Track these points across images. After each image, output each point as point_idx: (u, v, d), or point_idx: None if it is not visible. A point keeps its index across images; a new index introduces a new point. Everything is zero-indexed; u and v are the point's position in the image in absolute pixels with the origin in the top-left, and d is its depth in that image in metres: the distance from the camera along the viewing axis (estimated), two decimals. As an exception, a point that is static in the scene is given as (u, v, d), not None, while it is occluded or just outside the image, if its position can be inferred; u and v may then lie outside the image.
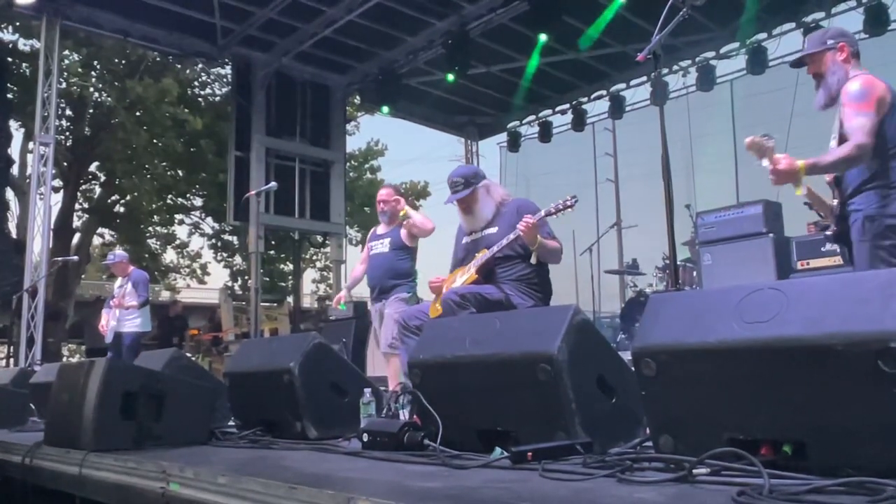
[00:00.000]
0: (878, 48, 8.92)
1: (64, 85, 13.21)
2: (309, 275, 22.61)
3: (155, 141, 15.43)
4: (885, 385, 1.44)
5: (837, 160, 3.10)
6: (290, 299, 17.74)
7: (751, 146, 3.16)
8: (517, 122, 12.76)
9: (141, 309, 7.47)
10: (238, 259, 19.84)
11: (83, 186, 17.11)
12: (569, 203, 3.47)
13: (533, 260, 3.57)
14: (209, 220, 19.27)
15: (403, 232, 5.14)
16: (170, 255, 21.33)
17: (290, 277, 18.81)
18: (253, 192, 6.37)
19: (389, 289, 5.01)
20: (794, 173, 3.00)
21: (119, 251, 8.34)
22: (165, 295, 21.50)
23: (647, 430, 1.95)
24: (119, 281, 7.64)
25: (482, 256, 3.69)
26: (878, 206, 3.03)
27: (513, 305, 3.51)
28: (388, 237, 5.12)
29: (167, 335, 10.90)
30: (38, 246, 8.57)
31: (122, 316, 7.40)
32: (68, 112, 15.14)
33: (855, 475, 1.41)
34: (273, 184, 7.02)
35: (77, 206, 16.87)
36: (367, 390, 2.80)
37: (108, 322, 7.45)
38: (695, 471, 1.60)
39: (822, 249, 5.49)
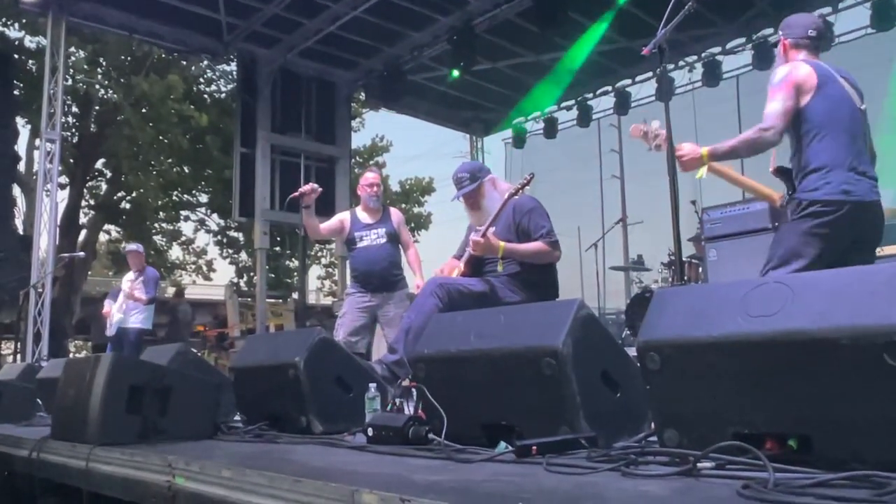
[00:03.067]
0: (886, 43, 8.89)
1: (70, 82, 13.24)
2: (314, 271, 22.64)
3: (161, 137, 15.44)
4: (890, 379, 1.43)
5: (738, 144, 3.08)
6: (295, 295, 17.77)
7: (634, 133, 3.41)
8: (522, 118, 12.75)
9: (147, 306, 7.51)
10: (244, 255, 19.87)
11: (89, 183, 17.16)
12: (525, 182, 3.57)
13: (499, 268, 3.57)
14: (215, 216, 19.31)
15: (396, 220, 5.10)
16: (175, 252, 21.41)
17: (295, 274, 18.83)
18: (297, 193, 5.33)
19: (394, 283, 4.98)
20: (699, 159, 3.13)
21: (138, 244, 8.43)
22: (171, 291, 21.56)
23: (652, 424, 1.95)
24: (130, 274, 7.71)
25: (467, 253, 3.72)
26: (802, 188, 3.00)
27: (497, 297, 3.51)
28: (382, 227, 5.02)
29: (174, 331, 10.95)
30: (44, 242, 8.61)
31: (128, 310, 7.44)
32: (74, 109, 15.18)
33: (860, 469, 1.41)
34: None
35: (83, 203, 16.93)
36: (373, 385, 2.80)
37: (113, 312, 7.49)
38: (699, 465, 1.60)
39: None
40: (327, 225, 5.20)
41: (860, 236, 2.94)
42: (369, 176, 5.16)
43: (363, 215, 5.10)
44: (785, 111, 3.00)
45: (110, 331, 7.51)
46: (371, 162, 20.66)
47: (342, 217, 5.24)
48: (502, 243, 3.53)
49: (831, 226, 2.88)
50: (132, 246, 8.07)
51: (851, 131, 3.01)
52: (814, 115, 3.01)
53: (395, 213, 5.25)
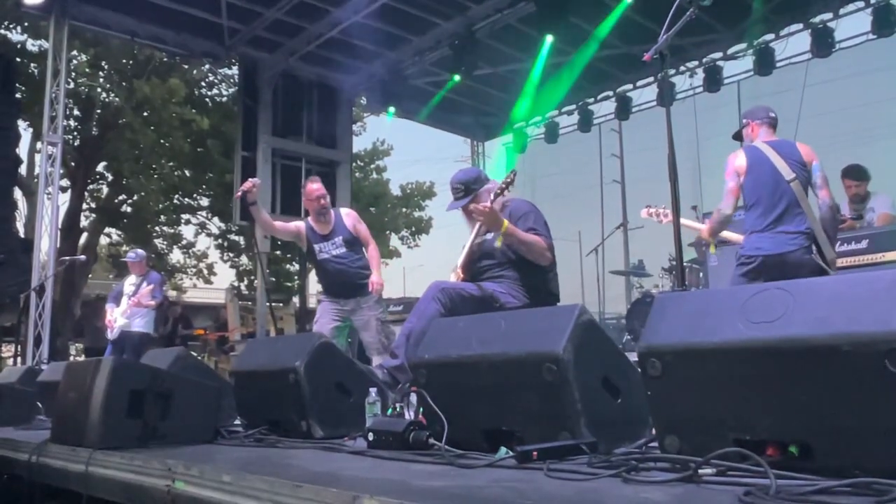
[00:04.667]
0: (887, 49, 8.90)
1: (72, 85, 13.27)
2: (315, 275, 22.63)
3: (162, 141, 15.46)
4: (892, 385, 1.43)
5: (710, 225, 4.44)
6: (295, 299, 17.76)
7: (643, 215, 4.78)
8: (523, 123, 12.76)
9: (151, 310, 7.56)
10: (244, 259, 19.86)
11: (90, 186, 17.15)
12: (509, 179, 3.67)
13: (497, 243, 3.56)
14: (216, 220, 19.28)
15: (349, 222, 5.05)
16: (176, 255, 21.38)
17: (296, 278, 18.82)
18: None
19: (363, 286, 4.97)
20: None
21: (139, 250, 8.43)
22: (172, 294, 21.52)
23: (653, 431, 1.94)
24: (132, 279, 7.72)
25: (462, 255, 3.72)
26: (740, 245, 4.19)
27: (499, 302, 3.51)
28: (338, 236, 5.01)
29: (171, 336, 10.93)
30: (45, 245, 8.61)
31: (133, 314, 7.46)
32: (76, 112, 15.18)
33: (862, 476, 1.41)
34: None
35: (84, 206, 16.93)
36: (373, 390, 2.80)
37: (115, 317, 7.49)
38: (700, 471, 1.60)
39: (830, 251, 5.46)
40: (282, 226, 5.21)
41: (782, 277, 3.17)
42: (311, 187, 5.09)
43: (316, 226, 5.09)
44: (729, 191, 4.17)
45: (113, 334, 7.51)
46: (372, 166, 20.69)
47: (298, 225, 5.22)
48: (506, 222, 3.52)
49: (749, 274, 4.01)
50: (131, 255, 8.04)
51: (770, 201, 4.02)
52: (745, 191, 4.14)
53: (348, 216, 5.21)
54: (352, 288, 5.00)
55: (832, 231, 4.07)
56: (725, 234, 4.88)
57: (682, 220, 4.51)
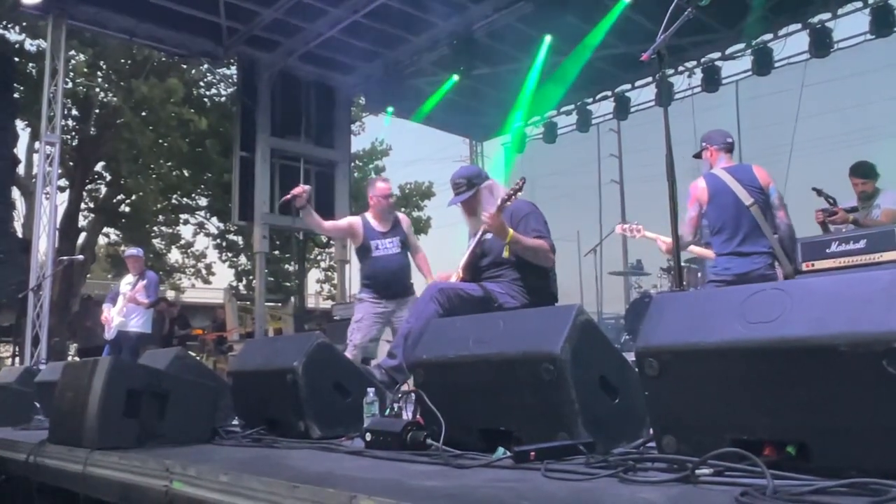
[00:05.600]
0: (885, 49, 8.91)
1: (70, 85, 13.24)
2: (313, 275, 22.60)
3: (160, 141, 15.44)
4: (889, 386, 1.43)
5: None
6: (294, 299, 17.73)
7: (618, 231, 5.29)
8: (522, 123, 12.76)
9: (147, 310, 7.54)
10: (243, 259, 19.84)
11: (89, 186, 17.14)
12: (517, 186, 3.59)
13: (505, 254, 3.55)
14: (214, 219, 19.28)
15: (406, 226, 5.16)
16: (174, 255, 21.38)
17: (294, 277, 18.81)
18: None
19: (409, 288, 5.07)
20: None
21: (137, 248, 8.46)
22: (171, 294, 21.51)
23: (650, 431, 1.95)
24: (129, 278, 7.73)
25: (464, 256, 3.71)
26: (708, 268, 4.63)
27: (497, 302, 3.51)
28: (397, 236, 5.08)
29: (168, 337, 10.92)
30: (43, 245, 8.60)
31: (129, 314, 7.46)
32: (74, 112, 15.16)
33: (859, 476, 1.41)
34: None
35: (83, 206, 16.91)
36: (371, 390, 2.80)
37: (113, 315, 7.49)
38: (698, 471, 1.60)
39: (828, 251, 5.45)
40: (333, 224, 5.36)
41: None
42: (383, 186, 5.19)
43: (375, 223, 5.12)
44: (690, 220, 4.46)
45: (110, 334, 7.51)
46: (370, 166, 20.69)
47: (353, 221, 5.24)
48: (511, 231, 3.52)
49: None
50: (131, 250, 8.11)
51: (734, 226, 4.32)
52: (710, 218, 4.43)
53: (405, 220, 5.34)
54: (400, 288, 5.06)
55: (790, 247, 4.43)
56: (697, 250, 5.49)
57: (649, 234, 5.39)
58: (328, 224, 5.26)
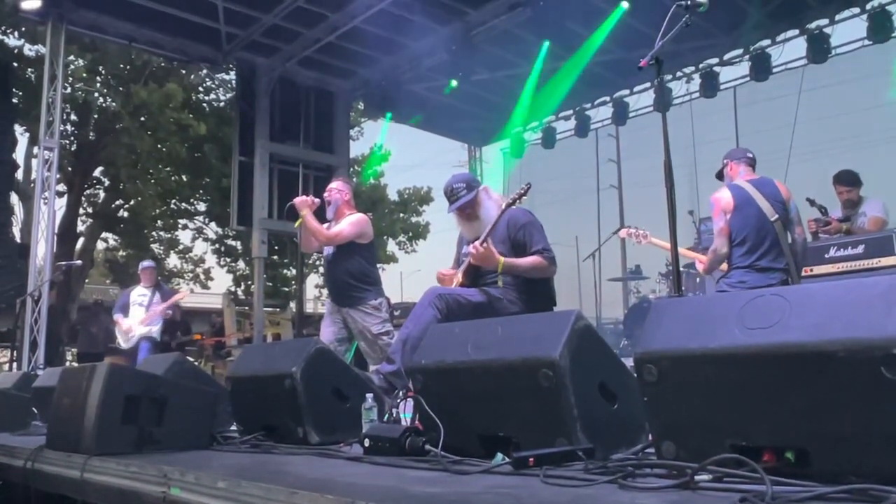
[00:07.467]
0: (882, 54, 8.93)
1: (69, 90, 13.25)
2: (312, 280, 22.62)
3: (159, 146, 15.45)
4: (888, 391, 1.43)
5: (707, 264, 4.63)
6: (292, 304, 17.74)
7: (622, 235, 5.08)
8: (521, 128, 12.77)
9: (163, 318, 7.75)
10: (241, 264, 19.85)
11: (87, 191, 17.15)
12: (522, 191, 3.59)
13: (499, 283, 3.55)
14: (213, 225, 19.31)
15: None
16: (173, 261, 21.38)
17: (293, 282, 18.81)
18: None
19: (353, 298, 4.82)
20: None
21: (150, 260, 8.63)
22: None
23: (649, 437, 1.94)
24: (140, 290, 7.82)
25: (464, 264, 3.70)
26: (725, 278, 4.39)
27: (496, 308, 3.50)
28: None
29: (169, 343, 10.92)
30: (41, 250, 8.59)
31: (153, 322, 7.61)
32: (73, 117, 15.18)
33: (858, 482, 1.41)
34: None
35: (81, 211, 16.91)
36: (370, 396, 2.79)
37: (134, 326, 7.62)
38: (697, 477, 1.60)
39: (826, 256, 5.48)
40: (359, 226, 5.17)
41: None
42: (329, 186, 5.08)
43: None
44: (720, 231, 4.37)
45: (131, 342, 7.61)
46: (369, 171, 20.67)
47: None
48: (502, 259, 3.51)
49: None
50: (146, 263, 8.27)
51: (756, 239, 4.26)
52: (732, 228, 4.33)
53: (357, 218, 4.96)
54: (339, 295, 4.85)
55: (802, 263, 4.49)
56: (688, 253, 5.42)
57: (656, 241, 5.37)
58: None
